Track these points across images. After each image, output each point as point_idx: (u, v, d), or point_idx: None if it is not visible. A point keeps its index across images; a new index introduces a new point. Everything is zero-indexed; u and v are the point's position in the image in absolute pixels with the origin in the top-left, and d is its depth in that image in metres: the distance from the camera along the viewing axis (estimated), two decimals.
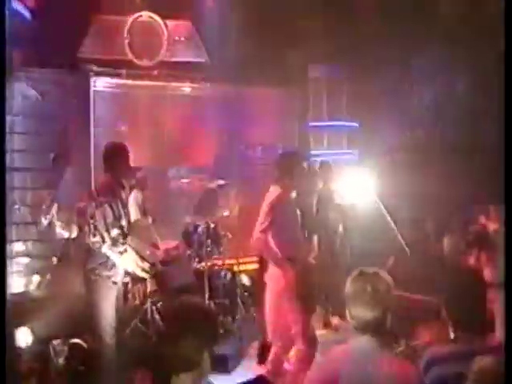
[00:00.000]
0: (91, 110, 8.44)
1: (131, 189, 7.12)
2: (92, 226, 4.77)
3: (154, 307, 6.06)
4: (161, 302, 6.07)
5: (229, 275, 6.96)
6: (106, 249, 4.75)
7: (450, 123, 11.08)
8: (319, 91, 10.09)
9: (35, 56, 7.63)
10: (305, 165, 5.81)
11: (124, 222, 5.01)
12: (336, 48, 9.68)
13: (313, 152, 10.07)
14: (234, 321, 6.38)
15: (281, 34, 9.46)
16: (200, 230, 6.73)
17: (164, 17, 9.22)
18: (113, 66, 8.75)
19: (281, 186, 4.95)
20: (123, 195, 5.07)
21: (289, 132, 10.03)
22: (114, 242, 4.70)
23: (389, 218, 6.84)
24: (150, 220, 6.81)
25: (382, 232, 7.56)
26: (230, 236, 7.29)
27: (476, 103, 9.58)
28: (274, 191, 4.92)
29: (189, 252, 6.64)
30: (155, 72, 9.09)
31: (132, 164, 5.33)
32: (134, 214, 6.67)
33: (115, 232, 4.77)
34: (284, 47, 9.55)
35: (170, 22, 9.34)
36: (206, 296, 6.49)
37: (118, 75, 8.68)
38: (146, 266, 5.02)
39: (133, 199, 7.00)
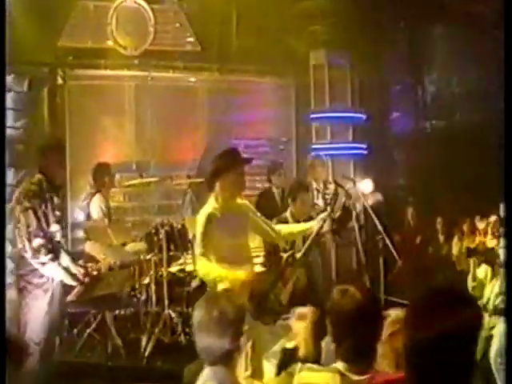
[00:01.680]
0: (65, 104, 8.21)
1: (98, 190, 7.10)
2: (17, 232, 4.38)
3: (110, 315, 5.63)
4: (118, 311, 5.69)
5: (196, 282, 6.55)
6: (28, 258, 4.37)
7: (468, 113, 10.43)
8: (322, 79, 9.79)
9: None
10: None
11: (55, 228, 4.56)
12: (341, 32, 9.43)
13: (315, 145, 9.85)
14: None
15: (280, 18, 9.27)
16: (162, 232, 6.23)
17: (150, 2, 9.04)
18: (94, 56, 8.58)
19: (215, 195, 4.54)
20: (55, 199, 4.61)
21: (287, 124, 9.91)
22: (35, 253, 4.31)
23: (377, 222, 6.33)
24: (106, 221, 6.70)
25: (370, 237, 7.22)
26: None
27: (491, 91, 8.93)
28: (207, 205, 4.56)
29: (148, 257, 6.17)
30: (138, 61, 8.89)
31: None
32: (95, 216, 6.75)
33: (37, 242, 4.63)
34: (283, 32, 9.37)
35: (156, 7, 9.13)
36: (166, 304, 6.21)
37: (97, 66, 8.50)
38: (81, 272, 4.55)
39: (95, 201, 6.94)
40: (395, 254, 6.27)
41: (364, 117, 10.04)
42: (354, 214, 6.21)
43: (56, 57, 8.13)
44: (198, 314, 2.73)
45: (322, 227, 4.89)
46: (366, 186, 8.89)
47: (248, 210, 4.74)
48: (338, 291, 2.74)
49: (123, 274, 5.63)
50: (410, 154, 10.23)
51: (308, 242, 4.89)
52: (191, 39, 9.25)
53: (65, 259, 4.86)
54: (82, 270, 4.81)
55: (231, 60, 9.10)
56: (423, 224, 8.85)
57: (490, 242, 5.89)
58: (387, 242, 6.22)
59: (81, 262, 5.72)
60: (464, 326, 2.02)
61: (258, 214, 4.86)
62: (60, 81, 8.27)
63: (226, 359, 2.69)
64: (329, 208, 5.39)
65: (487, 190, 7.37)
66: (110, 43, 8.70)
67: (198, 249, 4.50)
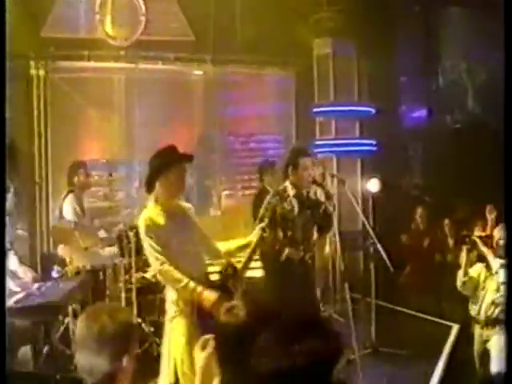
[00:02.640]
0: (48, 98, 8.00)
1: (71, 189, 6.91)
2: None
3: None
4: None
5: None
6: None
7: (488, 105, 9.86)
8: (326, 70, 9.46)
9: None
10: None
11: None
12: (347, 19, 9.12)
13: (319, 142, 9.49)
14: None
15: (282, 4, 8.96)
16: (131, 234, 6.10)
17: None
18: (78, 47, 8.26)
19: (154, 197, 4.29)
20: None
21: (287, 119, 9.56)
22: None
23: (368, 226, 6.27)
24: (73, 224, 6.40)
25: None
26: None
27: None
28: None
29: (116, 262, 5.80)
30: (124, 52, 8.56)
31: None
32: (68, 217, 6.58)
33: None
34: (285, 19, 9.02)
35: None
36: (134, 312, 6.00)
37: (81, 57, 8.22)
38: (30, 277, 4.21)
39: (68, 201, 6.76)
40: (387, 261, 6.02)
41: (372, 110, 9.72)
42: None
43: (37, 48, 7.64)
44: (78, 329, 2.52)
45: (262, 238, 4.50)
46: (373, 185, 8.96)
47: (193, 215, 4.54)
48: None
49: (67, 285, 5.22)
50: (423, 151, 9.82)
51: (247, 255, 4.53)
52: (184, 28, 8.94)
53: (12, 262, 4.47)
54: (30, 275, 4.40)
55: (227, 50, 8.80)
56: (433, 226, 8.25)
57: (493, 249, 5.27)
58: (378, 247, 6.03)
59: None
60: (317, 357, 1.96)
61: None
62: (40, 73, 8.04)
63: (109, 381, 2.45)
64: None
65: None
66: (98, 33, 8.47)
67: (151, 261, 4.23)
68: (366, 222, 6.26)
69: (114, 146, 8.32)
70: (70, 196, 6.75)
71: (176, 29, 8.89)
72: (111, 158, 8.25)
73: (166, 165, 4.18)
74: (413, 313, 7.77)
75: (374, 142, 9.69)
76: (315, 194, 5.99)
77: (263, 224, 4.61)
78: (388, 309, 7.96)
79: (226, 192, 8.76)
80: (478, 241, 5.40)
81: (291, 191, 5.49)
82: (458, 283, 5.50)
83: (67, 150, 8.01)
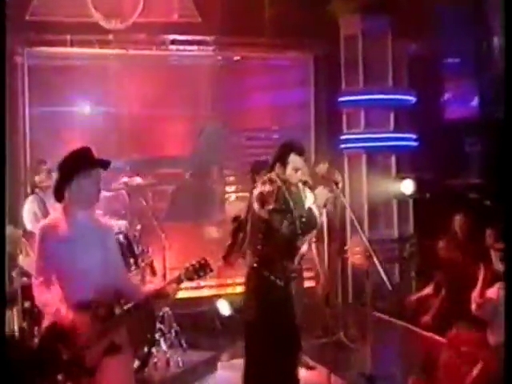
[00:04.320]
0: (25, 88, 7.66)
1: (32, 191, 6.56)
2: None
3: None
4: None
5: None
6: None
7: None
8: (354, 53, 8.75)
9: None
10: None
11: None
12: None
13: (345, 136, 8.86)
14: None
15: None
16: None
17: None
18: (60, 31, 7.78)
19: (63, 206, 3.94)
20: None
21: (305, 110, 8.93)
22: None
23: (364, 239, 5.80)
24: (20, 231, 6.19)
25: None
26: (149, 251, 6.55)
27: None
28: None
29: None
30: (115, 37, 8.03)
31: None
32: (27, 223, 6.23)
33: None
34: None
35: None
36: None
37: (63, 43, 7.75)
38: None
39: (28, 205, 6.38)
40: (384, 276, 5.43)
41: (411, 99, 9.04)
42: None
43: (19, 32, 7.22)
44: None
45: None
46: (406, 187, 8.54)
47: (112, 238, 4.16)
48: None
49: None
50: (470, 146, 9.26)
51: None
52: (189, 9, 8.39)
53: None
54: None
55: (236, 32, 8.21)
56: (474, 237, 7.41)
57: None
58: (375, 260, 5.44)
59: None
60: None
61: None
62: (18, 59, 7.68)
63: None
64: None
65: None
66: (90, 15, 7.99)
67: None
68: (360, 231, 5.77)
69: (102, 142, 7.59)
70: (31, 198, 6.42)
71: (179, 9, 8.38)
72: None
73: (77, 170, 3.84)
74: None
75: (412, 137, 9.02)
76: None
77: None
78: (417, 334, 7.21)
79: (233, 195, 7.87)
80: (495, 254, 4.98)
81: (279, 183, 5.02)
82: (473, 306, 5.13)
83: (48, 147, 7.51)
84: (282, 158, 5.02)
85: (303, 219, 4.97)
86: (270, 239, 4.92)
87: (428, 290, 8.14)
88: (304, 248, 5.30)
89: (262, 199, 4.89)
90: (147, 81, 8.05)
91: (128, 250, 6.43)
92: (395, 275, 8.85)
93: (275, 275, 4.90)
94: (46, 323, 3.79)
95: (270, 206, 4.86)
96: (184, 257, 8.49)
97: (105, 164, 3.97)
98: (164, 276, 6.71)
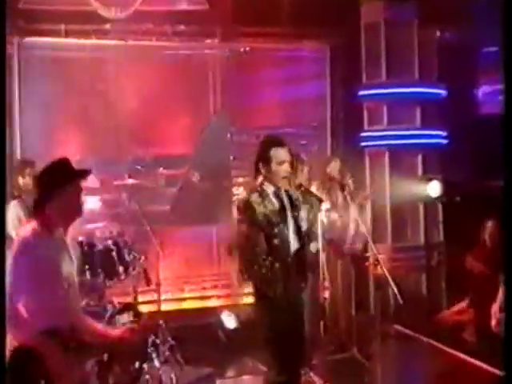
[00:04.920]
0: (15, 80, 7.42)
1: (17, 195, 6.31)
2: None
3: None
4: None
5: (127, 316, 5.70)
6: None
7: None
8: (376, 42, 8.28)
9: None
10: None
11: None
12: None
13: (367, 133, 8.42)
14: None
15: None
16: (98, 249, 5.83)
17: None
18: (66, 21, 7.55)
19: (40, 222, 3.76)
20: None
21: (320, 105, 8.55)
22: None
23: (371, 243, 5.68)
24: None
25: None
26: (141, 258, 6.18)
27: None
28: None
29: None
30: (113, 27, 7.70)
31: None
32: (10, 230, 5.88)
33: None
34: None
35: None
36: None
37: (57, 33, 7.49)
38: None
39: (11, 210, 6.14)
40: (394, 288, 5.37)
41: (440, 92, 8.56)
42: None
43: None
44: None
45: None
46: (433, 189, 8.15)
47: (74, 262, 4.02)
48: None
49: None
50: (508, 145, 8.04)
51: None
52: None
53: None
54: None
55: (246, 20, 7.84)
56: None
57: None
58: (384, 271, 5.38)
59: None
60: None
61: None
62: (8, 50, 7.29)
63: None
64: None
65: None
66: (87, 3, 7.54)
67: None
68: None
69: (100, 141, 7.62)
70: (14, 203, 6.17)
71: None
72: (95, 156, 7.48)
73: (56, 184, 3.75)
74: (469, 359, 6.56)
75: (441, 134, 8.54)
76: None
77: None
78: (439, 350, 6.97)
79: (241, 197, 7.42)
80: None
81: (268, 187, 4.82)
82: (493, 322, 5.03)
83: (42, 144, 7.39)
84: (263, 156, 4.85)
85: (301, 229, 4.78)
86: (254, 253, 4.65)
87: (462, 304, 7.68)
88: (310, 258, 5.03)
89: (240, 209, 4.75)
90: (148, 74, 7.78)
91: (118, 256, 6.16)
92: (422, 286, 8.35)
93: (274, 292, 4.62)
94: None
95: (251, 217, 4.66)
96: (186, 264, 8.40)
97: (84, 174, 3.92)
98: (158, 286, 6.42)
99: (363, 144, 8.33)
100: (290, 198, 4.83)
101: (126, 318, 5.84)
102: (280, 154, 4.80)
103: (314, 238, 5.08)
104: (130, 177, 6.86)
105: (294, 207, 4.83)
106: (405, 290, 7.97)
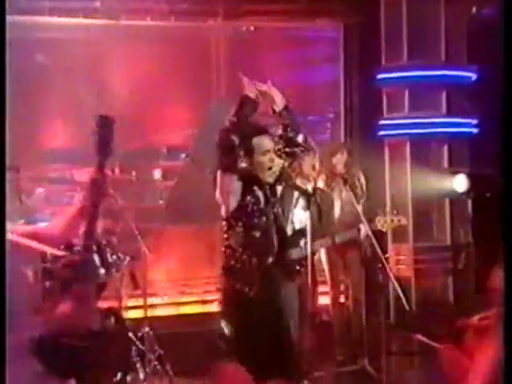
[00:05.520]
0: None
1: None
2: None
3: None
4: None
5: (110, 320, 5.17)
6: None
7: None
8: (397, 20, 7.82)
9: None
10: None
11: None
12: None
13: (386, 121, 7.98)
14: None
15: None
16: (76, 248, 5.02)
17: None
18: None
19: None
20: None
21: (334, 92, 8.12)
22: None
23: (375, 242, 5.23)
24: None
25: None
26: (126, 260, 5.83)
27: None
28: None
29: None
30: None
31: None
32: None
33: None
34: None
35: None
36: None
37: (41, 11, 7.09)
38: None
39: None
40: (401, 293, 5.52)
41: (469, 76, 8.10)
42: None
43: None
44: None
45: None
46: (460, 183, 7.68)
47: None
48: None
49: None
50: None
51: None
52: None
53: None
54: None
55: None
56: None
57: None
58: (389, 273, 5.32)
59: None
60: None
61: None
62: None
63: None
64: None
65: None
66: None
67: None
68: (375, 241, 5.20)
69: (88, 129, 6.76)
70: None
71: None
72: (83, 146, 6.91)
73: None
74: None
75: (470, 122, 8.06)
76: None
77: None
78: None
79: None
80: None
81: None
82: None
83: (27, 134, 7.07)
84: (245, 147, 4.52)
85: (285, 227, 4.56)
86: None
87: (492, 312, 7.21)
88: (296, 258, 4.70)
89: None
90: (142, 58, 7.43)
91: (99, 257, 5.78)
92: (448, 291, 7.88)
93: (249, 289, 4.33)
94: None
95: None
96: (185, 266, 8.03)
97: None
98: (144, 290, 6.13)
99: (382, 133, 7.88)
100: (273, 192, 4.49)
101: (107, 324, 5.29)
102: (263, 142, 4.52)
103: (301, 237, 4.65)
104: (120, 170, 6.60)
105: (278, 203, 4.50)
106: (428, 296, 8.07)
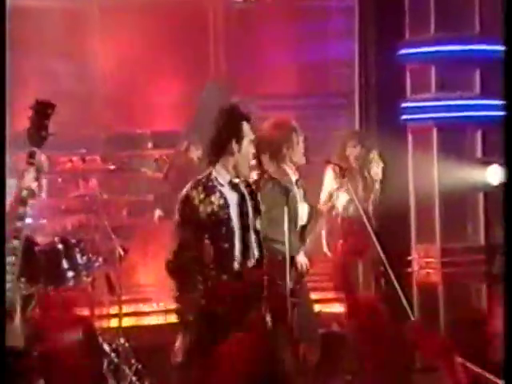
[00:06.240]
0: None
1: None
2: None
3: None
4: None
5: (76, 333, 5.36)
6: None
7: None
8: None
9: None
10: None
11: None
12: None
13: (410, 103, 7.40)
14: None
15: None
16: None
17: None
18: None
19: None
20: None
21: (348, 70, 7.61)
22: None
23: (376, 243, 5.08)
24: None
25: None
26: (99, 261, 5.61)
27: None
28: None
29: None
30: None
31: None
32: None
33: None
34: None
35: None
36: None
37: None
38: None
39: None
40: (404, 302, 4.93)
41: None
42: None
43: None
44: None
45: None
46: (494, 174, 7.11)
47: None
48: None
49: None
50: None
51: None
52: None
53: None
54: None
55: None
56: None
57: None
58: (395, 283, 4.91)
59: None
60: None
61: None
62: None
63: None
64: None
65: None
66: None
67: None
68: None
69: (76, 108, 6.92)
70: None
71: None
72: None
73: None
74: None
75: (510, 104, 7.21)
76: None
77: None
78: None
79: None
80: None
81: (223, 177, 4.42)
82: None
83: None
84: (235, 132, 4.36)
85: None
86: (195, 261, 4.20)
87: None
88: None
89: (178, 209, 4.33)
90: (134, 31, 7.04)
91: (66, 259, 5.53)
92: (482, 300, 7.24)
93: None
94: None
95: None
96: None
97: None
98: (119, 296, 5.75)
99: (405, 117, 7.30)
100: (250, 191, 4.39)
101: (74, 334, 5.32)
102: (250, 130, 4.39)
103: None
104: (102, 159, 6.19)
105: (254, 204, 4.34)
106: (458, 306, 7.40)
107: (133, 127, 7.32)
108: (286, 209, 4.54)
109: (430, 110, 7.38)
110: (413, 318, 4.90)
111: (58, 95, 7.10)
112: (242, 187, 4.41)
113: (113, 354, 5.66)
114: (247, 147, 4.40)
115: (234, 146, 4.39)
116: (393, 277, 4.84)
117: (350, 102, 7.68)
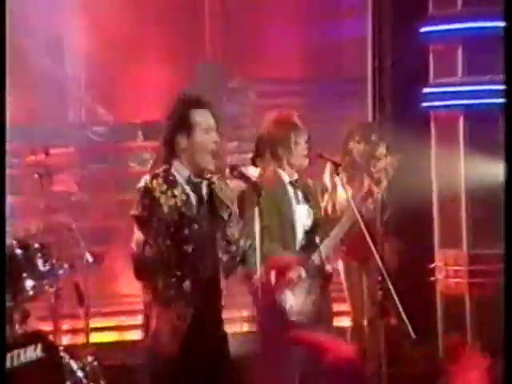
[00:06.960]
0: None
1: None
2: None
3: None
4: None
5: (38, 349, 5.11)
6: None
7: None
8: None
9: None
10: None
11: None
12: None
13: (433, 89, 6.94)
14: None
15: None
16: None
17: None
18: None
19: None
20: None
21: (360, 52, 7.15)
22: None
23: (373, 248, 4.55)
24: None
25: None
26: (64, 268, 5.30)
27: None
28: None
29: None
30: None
31: None
32: None
33: None
34: None
35: None
36: None
37: None
38: None
39: None
40: (405, 319, 4.42)
41: None
42: None
43: None
44: None
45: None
46: None
47: None
48: None
49: None
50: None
51: None
52: None
53: None
54: None
55: None
56: None
57: None
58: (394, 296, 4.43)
59: None
60: None
61: None
62: None
63: None
64: None
65: None
66: None
67: None
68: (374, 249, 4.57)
69: (53, 93, 6.54)
70: None
71: None
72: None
73: None
74: None
75: None
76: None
77: None
78: None
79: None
80: None
81: (181, 173, 4.10)
82: None
83: None
84: (182, 122, 4.07)
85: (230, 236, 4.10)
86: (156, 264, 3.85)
87: None
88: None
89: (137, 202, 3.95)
90: (120, 6, 6.54)
91: (26, 266, 5.12)
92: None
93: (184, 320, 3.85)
94: None
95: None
96: None
97: None
98: (87, 308, 5.40)
99: (426, 104, 6.82)
100: (211, 189, 4.06)
101: (32, 353, 4.99)
102: (205, 118, 4.06)
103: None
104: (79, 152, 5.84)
105: (219, 202, 4.02)
106: (487, 319, 6.68)
107: (119, 115, 6.88)
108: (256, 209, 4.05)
109: (456, 96, 6.95)
110: (412, 333, 4.35)
111: (36, 80, 6.87)
112: (204, 188, 4.03)
113: (80, 374, 5.33)
114: (202, 136, 4.05)
115: (183, 138, 4.07)
116: (391, 286, 4.39)
117: (363, 87, 7.22)
